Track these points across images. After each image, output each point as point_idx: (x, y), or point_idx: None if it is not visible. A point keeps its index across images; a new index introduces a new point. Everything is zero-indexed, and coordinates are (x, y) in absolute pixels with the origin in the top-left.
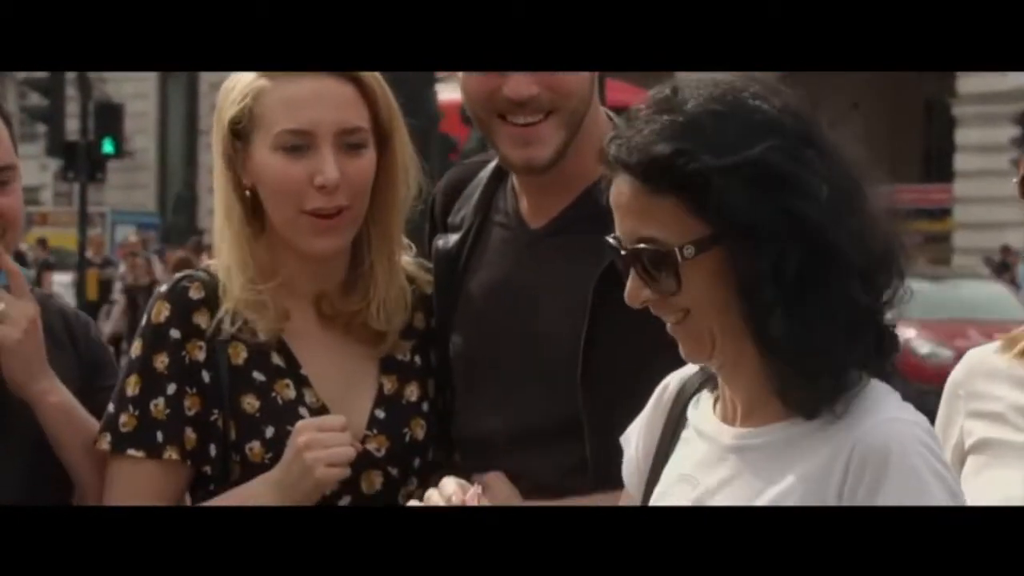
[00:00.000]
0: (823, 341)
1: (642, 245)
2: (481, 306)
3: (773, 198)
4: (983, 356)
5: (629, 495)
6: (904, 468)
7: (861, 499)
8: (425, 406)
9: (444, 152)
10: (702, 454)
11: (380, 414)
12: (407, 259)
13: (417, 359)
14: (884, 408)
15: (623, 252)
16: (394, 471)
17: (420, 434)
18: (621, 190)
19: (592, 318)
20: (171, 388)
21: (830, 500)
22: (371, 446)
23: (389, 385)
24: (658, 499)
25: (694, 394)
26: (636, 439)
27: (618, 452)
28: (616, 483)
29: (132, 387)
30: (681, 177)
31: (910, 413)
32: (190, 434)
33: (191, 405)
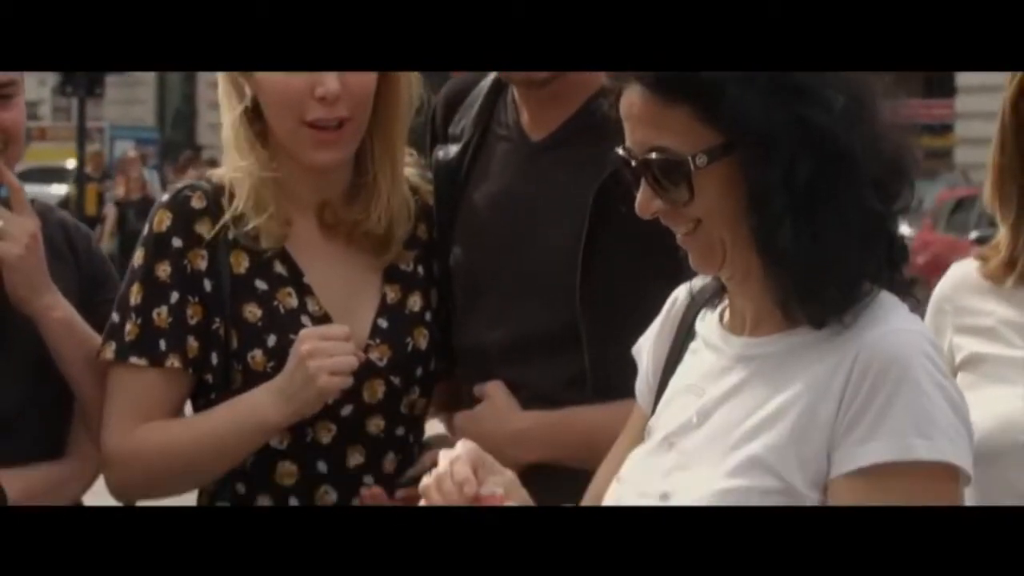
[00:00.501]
0: (834, 251)
1: (654, 155)
2: (482, 218)
3: (787, 106)
4: (968, 270)
5: (640, 409)
6: (905, 378)
7: (858, 407)
8: (428, 315)
9: None
10: (709, 364)
11: (383, 323)
12: (410, 170)
13: (420, 269)
14: (891, 319)
15: (633, 163)
16: (396, 380)
17: (423, 343)
18: (632, 100)
19: (591, 229)
20: (174, 296)
21: (831, 407)
22: (373, 355)
23: (392, 294)
24: (662, 408)
25: (703, 307)
26: (647, 353)
27: (617, 364)
28: (615, 395)
29: (135, 296)
30: (695, 85)
31: (916, 324)
32: (192, 342)
33: (193, 314)
